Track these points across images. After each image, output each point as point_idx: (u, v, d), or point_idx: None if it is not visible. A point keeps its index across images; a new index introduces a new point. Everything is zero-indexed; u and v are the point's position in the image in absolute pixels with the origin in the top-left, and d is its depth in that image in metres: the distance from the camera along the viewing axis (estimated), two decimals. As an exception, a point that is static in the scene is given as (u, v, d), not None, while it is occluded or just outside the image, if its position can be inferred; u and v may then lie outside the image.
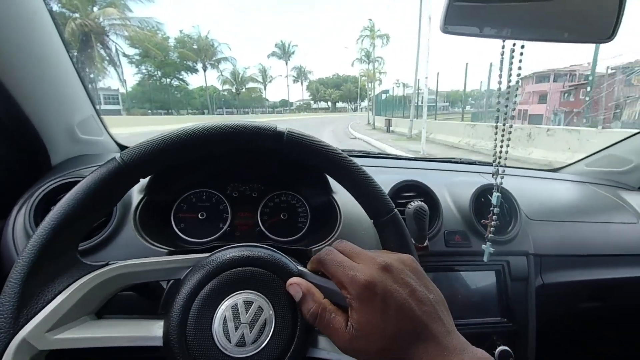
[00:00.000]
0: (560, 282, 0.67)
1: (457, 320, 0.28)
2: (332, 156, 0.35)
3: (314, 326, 0.27)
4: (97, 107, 0.73)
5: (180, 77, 47.35)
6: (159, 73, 44.32)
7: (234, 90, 57.33)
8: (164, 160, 0.31)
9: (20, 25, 0.50)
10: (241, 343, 0.28)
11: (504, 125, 0.49)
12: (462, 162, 0.93)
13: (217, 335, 0.28)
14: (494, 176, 0.54)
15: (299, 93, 76.35)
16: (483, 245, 0.58)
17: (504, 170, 0.53)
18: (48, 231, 0.28)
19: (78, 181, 0.31)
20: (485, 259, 0.57)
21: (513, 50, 0.45)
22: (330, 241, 0.53)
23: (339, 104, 75.29)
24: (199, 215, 0.60)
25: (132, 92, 43.25)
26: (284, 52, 59.56)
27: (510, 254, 0.63)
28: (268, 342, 0.29)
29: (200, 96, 53.93)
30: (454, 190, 0.70)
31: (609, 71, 8.32)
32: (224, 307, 0.29)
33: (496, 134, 0.50)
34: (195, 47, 46.49)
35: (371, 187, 0.36)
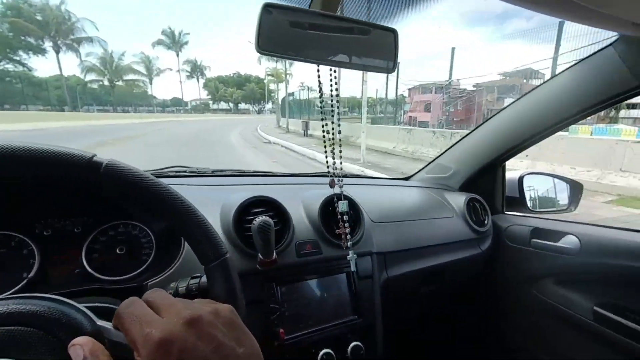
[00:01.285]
0: (402, 273, 0.80)
1: (315, 327, 0.34)
2: (159, 193, 0.32)
3: None
4: None
5: (17, 58, 36.12)
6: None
7: (105, 82, 47.80)
8: None
9: None
10: None
11: (333, 136, 0.59)
12: (317, 176, 1.04)
13: None
14: (333, 186, 0.63)
15: (194, 91, 70.50)
16: (348, 256, 0.65)
17: (341, 180, 0.63)
18: None
19: None
20: (352, 267, 0.65)
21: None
22: (171, 270, 0.51)
23: (242, 105, 74.38)
24: None
25: None
26: (173, 42, 53.43)
27: (357, 256, 0.68)
28: None
29: (57, 87, 42.39)
30: (306, 202, 0.77)
31: (475, 87, 11.82)
32: None
33: (325, 146, 0.60)
34: (38, 18, 36.17)
35: (202, 229, 0.34)
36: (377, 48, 0.53)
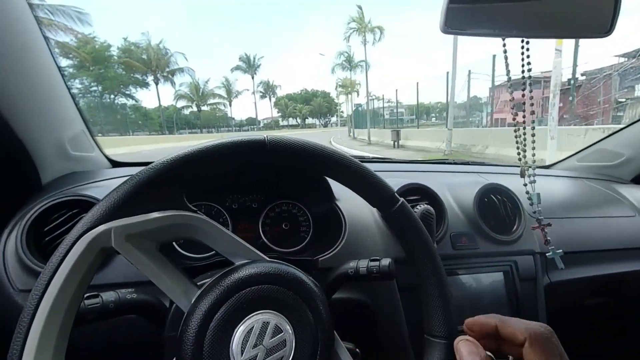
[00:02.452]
0: (565, 279, 0.70)
1: None
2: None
3: None
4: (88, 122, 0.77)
5: (128, 92, 43.41)
6: (100, 88, 39.85)
7: (193, 106, 55.40)
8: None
9: (5, 38, 0.53)
10: None
11: (524, 129, 0.56)
12: (456, 163, 1.00)
13: (234, 352, 0.29)
14: (525, 176, 0.61)
15: (267, 110, 78.00)
16: (548, 254, 0.63)
17: (534, 172, 0.59)
18: (180, 159, 0.33)
19: (70, 200, 0.39)
20: (559, 265, 0.64)
21: (505, 52, 0.52)
22: (336, 250, 0.57)
23: (308, 120, 78.17)
24: None
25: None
26: (249, 66, 59.10)
27: (517, 254, 0.66)
28: None
29: (159, 116, 52.48)
30: (456, 191, 0.74)
31: (581, 77, 9.77)
32: (240, 333, 0.30)
33: (517, 137, 0.59)
34: (144, 57, 43.13)
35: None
36: (587, 6, 0.47)
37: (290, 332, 0.32)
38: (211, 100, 56.58)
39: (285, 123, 77.61)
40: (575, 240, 0.75)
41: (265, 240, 0.65)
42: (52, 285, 0.28)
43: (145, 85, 44.06)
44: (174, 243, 0.61)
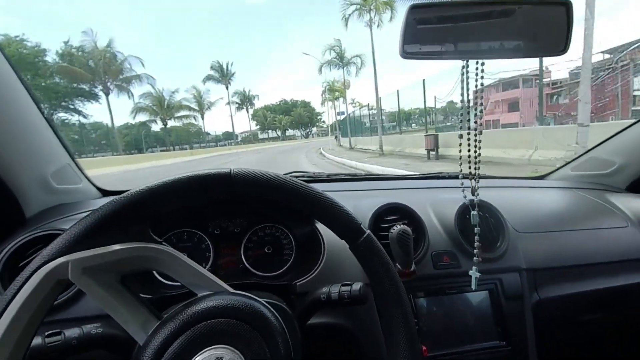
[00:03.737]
0: (557, 295, 0.70)
1: (454, 349, 0.35)
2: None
3: None
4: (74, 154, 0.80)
5: (72, 106, 35.01)
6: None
7: (158, 121, 48.05)
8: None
9: None
10: None
11: (469, 134, 0.55)
12: (448, 177, 1.01)
13: None
14: (473, 192, 0.60)
15: (244, 122, 76.02)
16: (470, 271, 0.61)
17: (477, 186, 0.59)
18: (145, 191, 0.35)
19: (47, 235, 0.37)
20: (472, 286, 0.61)
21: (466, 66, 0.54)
22: (314, 274, 0.60)
23: (289, 132, 77.47)
24: None
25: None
26: (222, 75, 54.58)
27: (501, 271, 0.66)
28: None
29: (126, 135, 48.94)
30: (438, 209, 0.75)
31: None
32: None
33: (460, 144, 0.57)
34: (91, 63, 34.94)
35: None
36: (543, 27, 0.51)
37: None
38: (180, 113, 50.76)
39: (264, 136, 76.56)
40: (565, 254, 0.74)
41: (246, 264, 0.67)
42: (5, 316, 0.29)
43: (93, 97, 35.97)
44: (153, 272, 0.63)
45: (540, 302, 0.69)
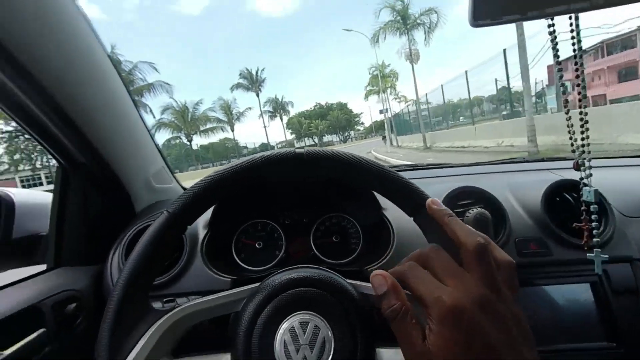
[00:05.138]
0: None
1: (547, 347, 0.34)
2: (352, 163, 0.40)
3: (391, 323, 0.30)
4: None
5: None
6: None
7: (181, 136, 45.77)
8: (205, 203, 0.41)
9: (103, 98, 0.71)
10: None
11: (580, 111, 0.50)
12: (525, 161, 1.01)
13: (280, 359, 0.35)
14: (579, 168, 0.53)
15: (277, 132, 76.03)
16: (589, 254, 0.56)
17: (589, 158, 0.52)
18: (122, 287, 0.37)
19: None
20: (596, 270, 0.55)
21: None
22: (384, 260, 0.63)
23: (325, 138, 76.01)
24: (257, 245, 0.77)
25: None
26: (251, 81, 51.38)
27: (607, 261, 0.58)
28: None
29: (168, 155, 50.19)
30: (519, 192, 0.73)
31: None
32: (282, 331, 0.36)
33: (568, 120, 0.52)
34: None
35: (401, 182, 0.40)
36: None
37: (329, 331, 0.36)
38: (207, 126, 47.15)
39: (301, 144, 76.45)
40: None
41: (316, 252, 0.74)
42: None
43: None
44: (234, 256, 0.76)
45: None
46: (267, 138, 62.30)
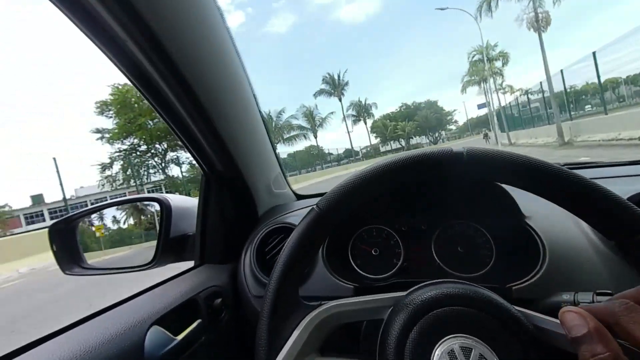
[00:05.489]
0: None
1: None
2: (531, 167, 0.35)
3: None
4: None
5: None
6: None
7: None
8: (351, 201, 0.41)
9: (239, 109, 0.78)
10: None
11: None
12: None
13: None
14: None
15: (363, 137, 75.56)
16: None
17: None
18: (277, 279, 0.40)
19: (281, 227, 0.50)
20: None
21: None
22: (535, 277, 0.53)
23: (413, 140, 72.25)
24: (373, 252, 0.74)
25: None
26: (334, 86, 50.54)
27: None
28: None
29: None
30: None
31: None
32: (439, 353, 0.33)
33: None
34: None
35: (609, 197, 0.33)
36: None
37: (494, 357, 0.32)
38: (290, 134, 48.04)
39: (387, 148, 74.97)
40: None
41: (440, 263, 0.67)
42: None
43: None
44: (351, 262, 0.74)
45: None
46: (351, 143, 60.30)
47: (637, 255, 0.33)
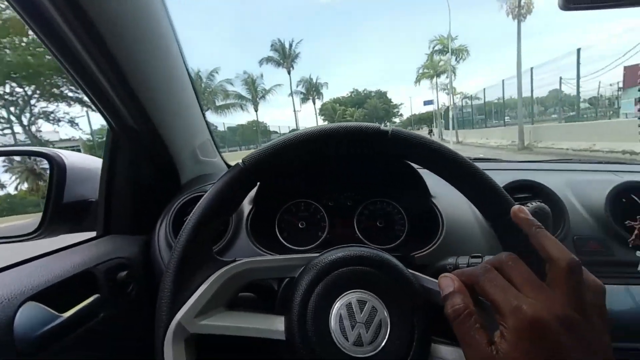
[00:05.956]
0: None
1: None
2: (440, 153, 0.40)
3: (452, 323, 0.31)
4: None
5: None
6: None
7: None
8: (279, 162, 0.42)
9: (160, 63, 0.71)
10: (358, 342, 0.35)
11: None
12: (586, 162, 1.01)
13: (335, 332, 0.36)
14: None
15: (310, 117, 74.75)
16: (638, 252, 0.61)
17: None
18: (190, 230, 0.40)
19: (201, 195, 0.43)
20: None
21: None
22: (433, 247, 0.63)
23: (361, 127, 74.03)
24: (299, 225, 0.78)
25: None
26: (284, 56, 43.11)
27: None
28: (385, 344, 0.36)
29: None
30: (580, 189, 0.76)
31: None
32: (338, 305, 0.37)
33: None
34: None
35: (489, 184, 0.39)
36: None
37: (386, 313, 0.37)
38: (224, 101, 38.88)
39: (334, 132, 75.34)
40: None
41: (360, 236, 0.75)
42: None
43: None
44: (277, 234, 0.76)
45: None
46: (297, 122, 51.14)
47: (502, 232, 0.40)
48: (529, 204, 0.62)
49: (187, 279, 0.40)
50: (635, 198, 0.71)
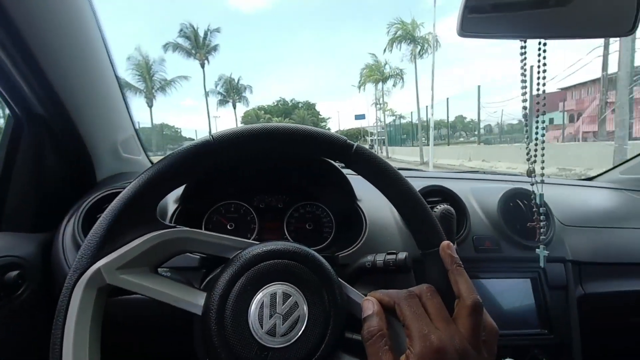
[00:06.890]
0: (604, 292, 0.81)
1: None
2: (394, 180, 0.44)
3: (365, 343, 0.36)
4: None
5: None
6: None
7: None
8: (247, 147, 0.43)
9: (76, 46, 0.68)
10: (272, 332, 0.37)
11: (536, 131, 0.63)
12: (489, 173, 1.26)
13: (252, 319, 0.38)
14: (531, 175, 0.67)
15: (229, 124, 64.17)
16: (537, 250, 0.71)
17: (542, 172, 0.66)
18: (140, 184, 0.40)
19: (120, 192, 0.41)
20: (541, 263, 0.70)
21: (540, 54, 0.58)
22: (356, 247, 0.70)
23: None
24: (228, 226, 0.79)
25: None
26: (196, 46, 35.65)
27: (548, 259, 0.72)
28: (298, 338, 0.38)
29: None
30: (479, 195, 0.88)
31: None
32: (263, 293, 0.39)
33: (527, 138, 0.65)
34: None
35: (429, 218, 0.44)
36: (609, 7, 0.55)
37: (305, 309, 0.39)
38: None
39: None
40: (612, 251, 0.85)
41: (289, 238, 0.80)
42: (65, 347, 0.35)
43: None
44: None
45: (585, 297, 0.79)
46: (210, 127, 38.82)
47: (428, 264, 0.44)
48: (437, 207, 0.69)
49: (120, 232, 0.39)
50: (519, 202, 0.84)
